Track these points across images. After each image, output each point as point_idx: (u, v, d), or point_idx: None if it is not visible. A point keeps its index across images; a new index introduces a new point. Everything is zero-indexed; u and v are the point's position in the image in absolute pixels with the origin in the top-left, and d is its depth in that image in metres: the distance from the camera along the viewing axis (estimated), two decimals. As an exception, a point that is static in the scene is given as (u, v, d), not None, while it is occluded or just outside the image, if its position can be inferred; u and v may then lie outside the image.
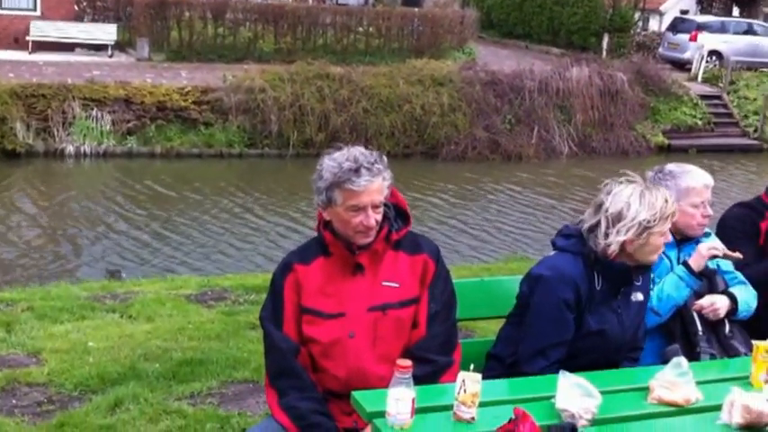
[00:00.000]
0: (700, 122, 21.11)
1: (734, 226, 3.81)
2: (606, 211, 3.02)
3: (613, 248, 2.99)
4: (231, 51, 21.74)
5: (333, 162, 2.82)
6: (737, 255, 3.42)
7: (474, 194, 16.08)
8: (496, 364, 3.18)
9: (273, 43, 22.51)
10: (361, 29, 23.79)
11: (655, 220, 2.98)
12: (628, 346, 3.20)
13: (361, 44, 23.46)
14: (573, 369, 2.72)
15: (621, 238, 2.98)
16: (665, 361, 2.93)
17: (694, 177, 3.51)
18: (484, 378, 3.04)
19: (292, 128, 17.29)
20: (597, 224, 3.04)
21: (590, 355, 3.06)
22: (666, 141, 20.36)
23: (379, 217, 2.84)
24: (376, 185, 2.79)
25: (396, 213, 2.97)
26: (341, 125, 17.59)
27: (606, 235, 3.00)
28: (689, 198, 3.47)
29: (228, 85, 17.55)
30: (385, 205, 2.90)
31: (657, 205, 3.00)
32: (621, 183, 3.09)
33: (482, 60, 21.99)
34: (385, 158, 2.89)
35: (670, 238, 3.15)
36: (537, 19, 30.52)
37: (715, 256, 3.43)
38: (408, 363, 2.43)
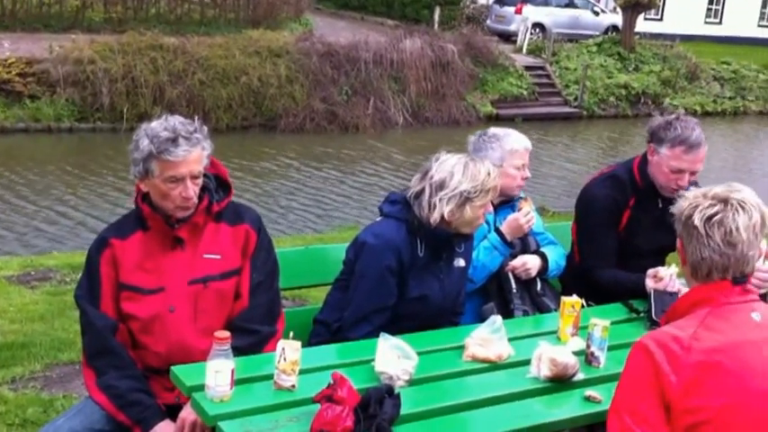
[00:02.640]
0: (525, 92, 21.95)
1: (596, 212, 3.72)
2: (431, 178, 3.08)
3: (435, 216, 3.05)
4: (58, 21, 20.54)
5: (150, 132, 2.74)
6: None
7: (313, 165, 16.08)
8: (323, 329, 3.22)
9: (103, 12, 21.47)
10: (195, -2, 23.13)
11: (476, 192, 3.04)
12: (449, 311, 3.30)
13: (196, 14, 22.76)
14: (397, 333, 2.80)
15: (443, 206, 3.04)
16: (482, 320, 3.05)
17: (517, 140, 3.64)
18: (310, 344, 3.11)
19: (125, 101, 16.64)
20: (422, 191, 3.09)
21: (413, 319, 3.14)
22: (494, 111, 21.05)
23: (198, 188, 2.79)
24: (194, 156, 2.74)
25: (217, 184, 2.94)
26: (177, 97, 17.09)
27: (429, 202, 3.06)
28: (512, 159, 3.59)
29: (55, 57, 16.63)
30: (205, 176, 2.86)
31: (480, 177, 3.06)
32: (450, 152, 3.16)
33: (319, 32, 21.89)
34: (205, 128, 2.83)
35: (491, 209, 3.23)
36: (372, -9, 30.74)
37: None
38: (226, 334, 2.42)
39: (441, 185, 3.04)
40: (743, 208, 2.17)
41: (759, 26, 35.58)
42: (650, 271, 3.48)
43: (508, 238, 3.52)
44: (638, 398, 2.11)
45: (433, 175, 3.07)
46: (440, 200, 3.03)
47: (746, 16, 34.71)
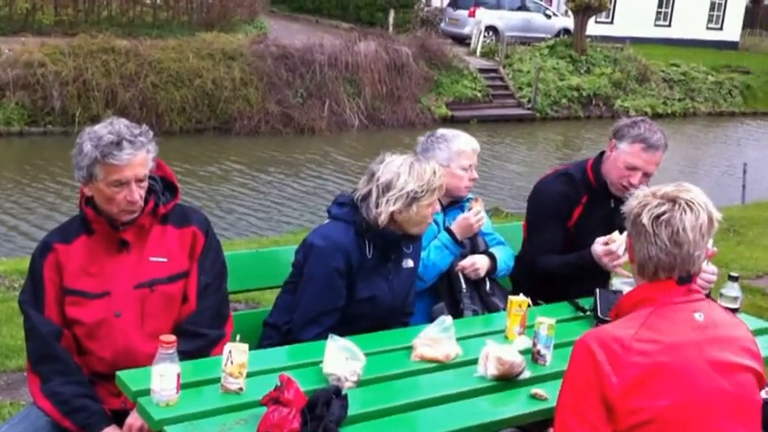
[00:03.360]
0: (479, 94, 22.12)
1: (547, 204, 3.76)
2: (377, 180, 3.09)
3: (383, 218, 3.06)
4: (7, 23, 20.19)
5: (93, 135, 2.71)
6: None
7: (269, 168, 16.01)
8: (273, 332, 3.22)
9: (54, 15, 21.18)
10: (148, 1, 22.88)
11: (422, 192, 3.06)
12: (399, 311, 3.31)
13: (149, 17, 22.56)
14: (347, 335, 2.80)
15: (391, 207, 3.04)
16: (432, 320, 3.06)
17: (465, 141, 3.68)
18: (261, 346, 3.10)
19: (77, 104, 16.44)
20: (369, 193, 3.10)
21: (363, 320, 3.15)
22: (449, 113, 21.18)
23: (143, 191, 2.77)
24: (139, 159, 2.72)
25: (163, 186, 2.92)
26: (129, 101, 16.93)
27: (377, 204, 3.07)
28: (459, 160, 3.63)
29: (5, 60, 16.38)
30: (151, 178, 2.84)
31: (426, 177, 3.08)
32: (394, 153, 3.18)
33: (273, 34, 21.87)
34: (150, 131, 2.81)
35: (438, 208, 3.26)
36: (327, -7, 30.75)
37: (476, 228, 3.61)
38: (172, 338, 2.41)
39: (387, 186, 3.05)
40: (691, 208, 2.18)
41: (707, 29, 36.24)
42: (601, 238, 3.49)
43: (459, 237, 3.55)
44: (580, 398, 2.13)
45: (380, 176, 3.08)
46: (387, 201, 3.04)
47: (695, 19, 35.34)
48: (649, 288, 2.23)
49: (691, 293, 2.22)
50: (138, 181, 2.73)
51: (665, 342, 2.13)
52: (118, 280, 2.78)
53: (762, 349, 3.26)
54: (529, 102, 22.89)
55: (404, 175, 3.06)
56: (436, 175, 3.10)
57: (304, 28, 26.38)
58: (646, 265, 2.22)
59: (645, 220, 2.19)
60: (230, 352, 2.46)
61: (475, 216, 3.57)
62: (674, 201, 2.19)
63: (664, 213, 2.18)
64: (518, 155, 19.01)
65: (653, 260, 2.20)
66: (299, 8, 31.68)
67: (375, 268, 3.16)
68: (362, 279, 3.13)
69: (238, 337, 2.51)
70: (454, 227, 3.57)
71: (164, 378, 2.37)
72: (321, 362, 2.65)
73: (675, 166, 18.79)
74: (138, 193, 2.74)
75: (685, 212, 2.17)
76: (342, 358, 2.61)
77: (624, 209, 2.29)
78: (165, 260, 2.83)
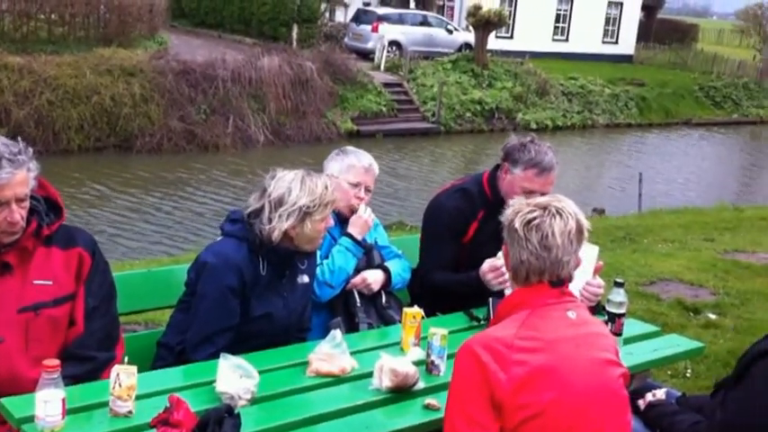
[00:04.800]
0: (384, 109, 22.34)
1: (442, 220, 3.79)
2: (269, 195, 3.07)
3: (276, 233, 3.04)
4: None
5: None
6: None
7: (172, 185, 15.76)
8: (166, 352, 3.16)
9: (-60, 31, 20.43)
10: (42, 16, 22.23)
11: (314, 206, 3.06)
12: (295, 328, 3.30)
13: (44, 32, 21.93)
14: (243, 353, 2.78)
15: (284, 223, 3.03)
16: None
17: (359, 158, 3.69)
18: (155, 367, 3.04)
19: (-34, 123, 15.89)
20: (261, 209, 3.08)
21: (259, 338, 3.12)
22: (355, 127, 21.31)
23: (25, 212, 2.69)
24: (19, 178, 2.63)
25: (47, 206, 2.83)
26: (24, 119, 16.46)
27: (269, 220, 3.05)
28: (347, 175, 3.65)
29: None
30: (34, 198, 2.75)
31: (317, 191, 3.08)
32: (285, 169, 3.17)
33: (174, 50, 21.57)
34: (30, 149, 2.73)
35: (332, 223, 3.27)
36: (228, 9, 30.51)
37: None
38: (55, 362, 2.34)
39: (279, 202, 3.04)
40: (560, 214, 2.29)
41: (603, 43, 37.50)
42: (488, 260, 3.54)
43: (358, 237, 3.58)
44: (468, 401, 2.18)
45: (271, 192, 3.07)
46: (279, 216, 3.03)
47: (591, 34, 36.53)
48: (524, 292, 2.32)
49: (563, 296, 2.33)
50: (19, 201, 2.65)
51: (545, 339, 2.22)
52: (0, 304, 2.68)
53: (651, 352, 3.44)
54: (433, 116, 23.21)
55: (295, 190, 3.05)
56: (328, 189, 3.11)
57: (206, 43, 26.13)
58: (519, 269, 2.32)
59: (517, 225, 2.29)
60: (118, 375, 2.40)
61: (365, 213, 3.62)
62: (544, 208, 2.30)
63: (534, 219, 2.28)
64: (423, 168, 19.24)
65: (524, 264, 2.29)
66: (201, 23, 31.39)
67: (270, 285, 3.14)
68: (257, 296, 3.11)
69: (126, 359, 2.46)
70: (351, 228, 3.62)
71: (48, 404, 2.30)
72: (214, 381, 2.62)
73: (575, 178, 19.35)
74: (18, 214, 2.65)
75: (554, 218, 2.28)
76: (235, 376, 2.58)
77: (502, 218, 2.37)
78: (50, 283, 2.75)
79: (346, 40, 27.85)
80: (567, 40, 36.16)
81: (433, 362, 2.90)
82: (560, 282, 2.30)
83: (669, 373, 5.01)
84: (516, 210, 2.33)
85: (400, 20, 28.31)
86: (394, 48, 26.63)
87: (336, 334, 2.92)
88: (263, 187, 3.12)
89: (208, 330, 3.03)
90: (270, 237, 3.06)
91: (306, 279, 3.31)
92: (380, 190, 15.86)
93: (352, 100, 21.93)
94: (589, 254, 3.35)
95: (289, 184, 3.07)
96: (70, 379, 2.56)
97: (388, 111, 22.48)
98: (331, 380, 2.82)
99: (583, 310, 2.38)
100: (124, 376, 2.41)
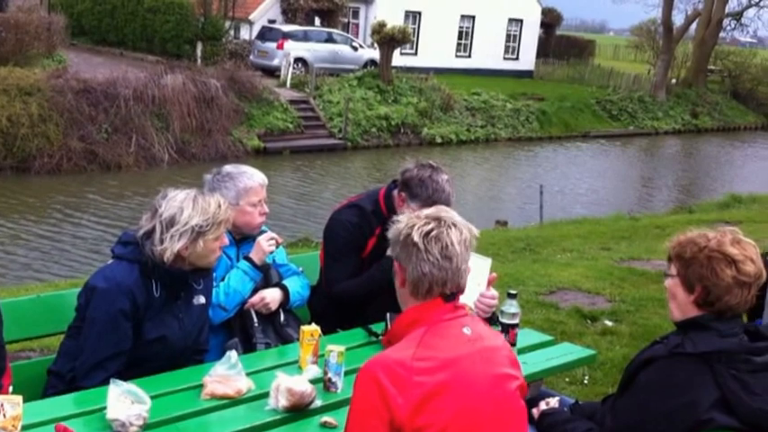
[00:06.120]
0: (291, 126, 22.32)
1: (342, 236, 3.81)
2: (161, 216, 3.01)
3: (168, 254, 2.99)
4: None
5: None
6: None
7: (70, 208, 15.33)
8: (57, 380, 3.08)
9: None
10: (-68, 34, 21.43)
11: (208, 226, 3.02)
12: (191, 350, 3.25)
13: (-67, 50, 21.17)
14: (138, 377, 2.73)
15: (176, 243, 2.98)
16: (227, 356, 3.04)
17: (251, 177, 3.63)
18: (46, 396, 2.95)
19: None
20: (153, 230, 3.02)
21: (154, 362, 3.07)
22: (262, 144, 21.20)
23: None
24: None
25: None
26: None
27: (161, 240, 2.99)
28: (248, 197, 3.58)
29: None
30: None
31: (210, 210, 3.04)
32: (177, 188, 3.13)
33: (74, 68, 21.07)
34: None
35: (227, 241, 3.23)
36: (130, 26, 29.99)
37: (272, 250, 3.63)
38: (-67, 396, 2.26)
39: (171, 222, 2.99)
40: (455, 225, 2.31)
41: (504, 59, 38.40)
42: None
43: (257, 262, 3.55)
44: (367, 426, 2.17)
45: (163, 212, 3.01)
46: (171, 237, 2.98)
47: (492, 50, 37.35)
48: (418, 309, 2.31)
49: (457, 310, 2.33)
50: None
51: (442, 358, 2.22)
52: None
53: (545, 360, 3.53)
54: (340, 132, 23.30)
55: (188, 210, 3.01)
56: (221, 208, 3.08)
57: (107, 61, 25.61)
58: (420, 283, 2.29)
59: (416, 237, 2.27)
60: (2, 405, 2.34)
61: (266, 240, 3.59)
62: (438, 219, 2.32)
63: (432, 230, 2.28)
64: (330, 184, 19.26)
65: (427, 277, 2.27)
66: (102, 41, 30.76)
67: (164, 307, 3.10)
68: (150, 319, 3.06)
69: (10, 389, 2.39)
70: (252, 253, 3.58)
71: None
72: (105, 408, 2.57)
73: (480, 190, 19.71)
74: None
75: (451, 228, 2.30)
76: (126, 402, 2.54)
77: (389, 235, 2.38)
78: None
79: (251, 57, 27.72)
80: (469, 56, 36.87)
81: (330, 379, 2.91)
82: (454, 295, 2.31)
83: (567, 380, 5.13)
84: (410, 223, 2.31)
85: (305, 37, 28.36)
86: (299, 65, 26.66)
87: (232, 355, 2.90)
88: (154, 207, 3.06)
89: (99, 356, 2.97)
90: (162, 258, 3.00)
91: (202, 300, 3.26)
92: (287, 207, 15.82)
93: (259, 117, 21.83)
94: (482, 266, 3.43)
95: (180, 203, 3.03)
96: (-46, 412, 2.47)
97: (295, 127, 22.46)
98: (227, 402, 2.80)
99: (478, 324, 2.39)
100: (9, 407, 2.34)
